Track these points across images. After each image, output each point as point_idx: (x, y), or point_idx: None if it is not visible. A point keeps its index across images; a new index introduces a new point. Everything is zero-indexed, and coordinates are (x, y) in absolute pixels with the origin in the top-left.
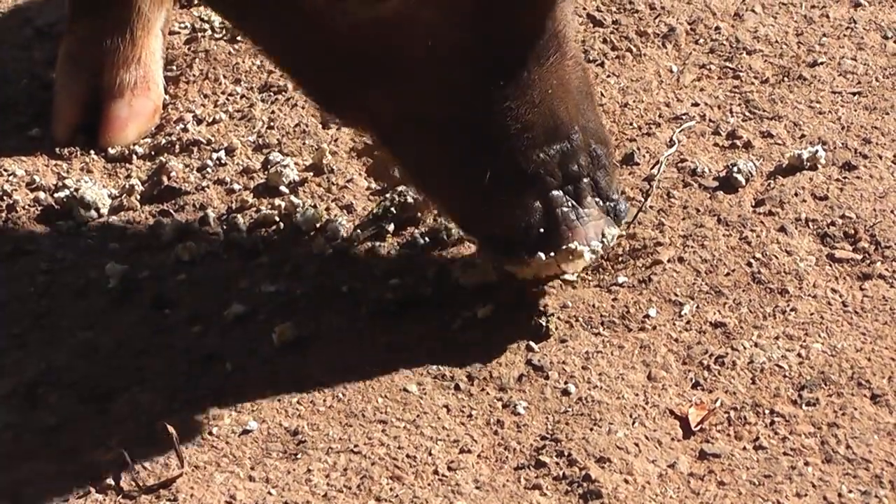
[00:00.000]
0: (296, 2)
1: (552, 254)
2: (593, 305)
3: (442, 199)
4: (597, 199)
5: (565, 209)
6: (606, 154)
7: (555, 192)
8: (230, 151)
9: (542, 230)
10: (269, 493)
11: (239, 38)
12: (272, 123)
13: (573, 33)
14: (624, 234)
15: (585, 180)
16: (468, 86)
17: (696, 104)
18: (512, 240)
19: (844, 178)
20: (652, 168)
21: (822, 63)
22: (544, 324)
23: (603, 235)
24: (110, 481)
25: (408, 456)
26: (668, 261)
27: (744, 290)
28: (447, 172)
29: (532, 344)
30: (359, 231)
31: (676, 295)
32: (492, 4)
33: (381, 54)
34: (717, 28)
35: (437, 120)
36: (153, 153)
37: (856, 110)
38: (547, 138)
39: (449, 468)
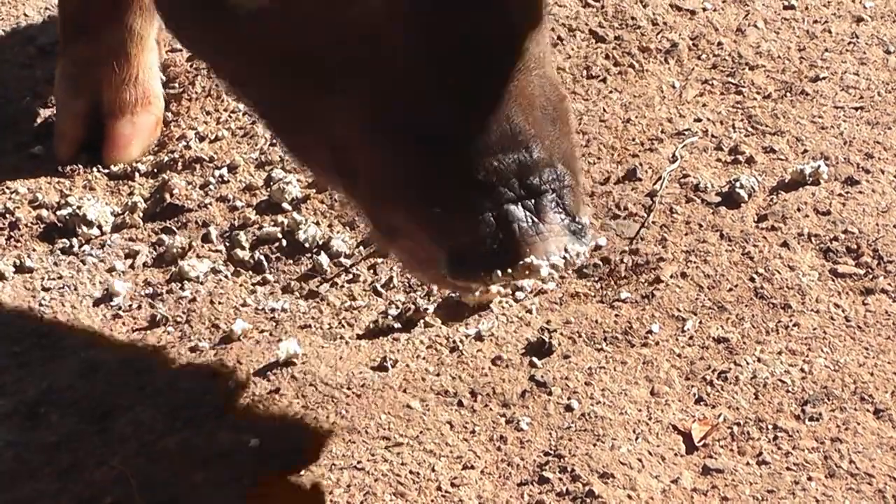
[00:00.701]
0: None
1: (508, 270)
2: (596, 321)
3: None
4: (560, 216)
5: (522, 223)
6: (576, 180)
7: (511, 206)
8: (233, 168)
9: (496, 245)
10: None
11: None
12: (274, 140)
13: (545, 55)
14: (627, 249)
15: (549, 196)
16: (410, 88)
17: (698, 119)
18: (465, 255)
19: (847, 192)
20: (654, 184)
21: (824, 78)
22: (547, 340)
23: (566, 251)
24: (112, 500)
25: (411, 472)
26: (671, 276)
27: (746, 306)
28: (394, 183)
29: (535, 360)
30: (361, 247)
31: (679, 310)
32: (434, 6)
33: (327, 56)
34: (720, 43)
35: (380, 129)
36: (156, 170)
37: (858, 125)
38: (502, 146)
39: (452, 484)
